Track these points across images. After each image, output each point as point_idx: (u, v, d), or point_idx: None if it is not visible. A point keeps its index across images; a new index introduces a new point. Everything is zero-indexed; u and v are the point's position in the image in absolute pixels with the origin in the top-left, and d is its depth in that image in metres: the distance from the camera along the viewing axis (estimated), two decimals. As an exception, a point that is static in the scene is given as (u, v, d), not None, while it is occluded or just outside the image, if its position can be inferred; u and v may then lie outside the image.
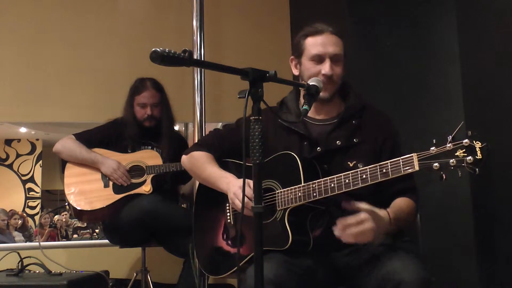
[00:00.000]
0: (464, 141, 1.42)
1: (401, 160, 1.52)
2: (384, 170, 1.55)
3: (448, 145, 1.44)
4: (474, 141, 1.41)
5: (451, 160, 1.43)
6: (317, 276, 1.74)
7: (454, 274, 2.48)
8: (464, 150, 1.42)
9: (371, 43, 2.90)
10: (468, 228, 2.41)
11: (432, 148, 1.46)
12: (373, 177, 1.57)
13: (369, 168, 1.58)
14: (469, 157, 1.40)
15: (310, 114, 1.91)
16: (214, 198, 1.97)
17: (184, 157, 2.08)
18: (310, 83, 1.70)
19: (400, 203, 1.77)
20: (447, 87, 2.57)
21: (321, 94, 1.70)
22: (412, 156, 1.50)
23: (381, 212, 1.65)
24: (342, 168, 1.75)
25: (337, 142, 1.83)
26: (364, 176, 1.58)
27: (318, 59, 1.85)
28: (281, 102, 1.99)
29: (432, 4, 2.70)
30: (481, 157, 1.40)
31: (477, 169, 1.41)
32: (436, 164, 1.45)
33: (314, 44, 1.87)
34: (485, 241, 2.35)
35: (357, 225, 1.59)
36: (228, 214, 1.95)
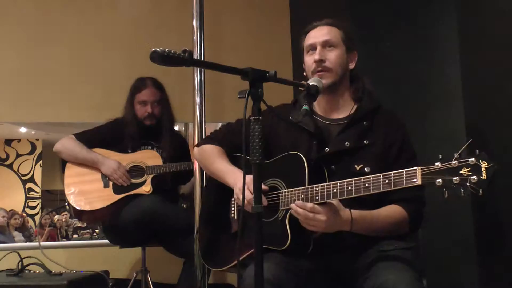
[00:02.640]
0: (470, 159, 1.39)
1: (404, 173, 1.50)
2: (387, 181, 1.53)
3: (454, 161, 1.41)
4: (480, 161, 1.38)
5: (455, 178, 1.40)
6: (316, 277, 1.74)
7: (454, 274, 2.48)
8: (469, 168, 1.38)
9: (371, 43, 2.89)
10: (468, 228, 2.41)
11: (437, 164, 1.44)
12: (375, 186, 1.55)
13: (373, 177, 1.57)
14: (474, 177, 1.37)
15: (321, 112, 1.92)
16: (222, 191, 1.97)
17: (195, 149, 2.12)
18: (310, 83, 1.71)
19: (385, 210, 1.74)
20: (447, 87, 2.57)
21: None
22: (415, 169, 1.48)
23: (343, 212, 1.64)
24: (349, 171, 1.74)
25: (346, 143, 1.80)
26: (367, 185, 1.57)
27: (311, 49, 1.89)
28: (295, 100, 1.98)
29: (432, 4, 2.69)
30: (486, 177, 1.36)
31: (481, 190, 1.37)
32: (439, 180, 1.42)
33: (308, 37, 1.93)
34: (485, 241, 2.34)
35: (310, 211, 1.60)
36: (233, 208, 1.96)
